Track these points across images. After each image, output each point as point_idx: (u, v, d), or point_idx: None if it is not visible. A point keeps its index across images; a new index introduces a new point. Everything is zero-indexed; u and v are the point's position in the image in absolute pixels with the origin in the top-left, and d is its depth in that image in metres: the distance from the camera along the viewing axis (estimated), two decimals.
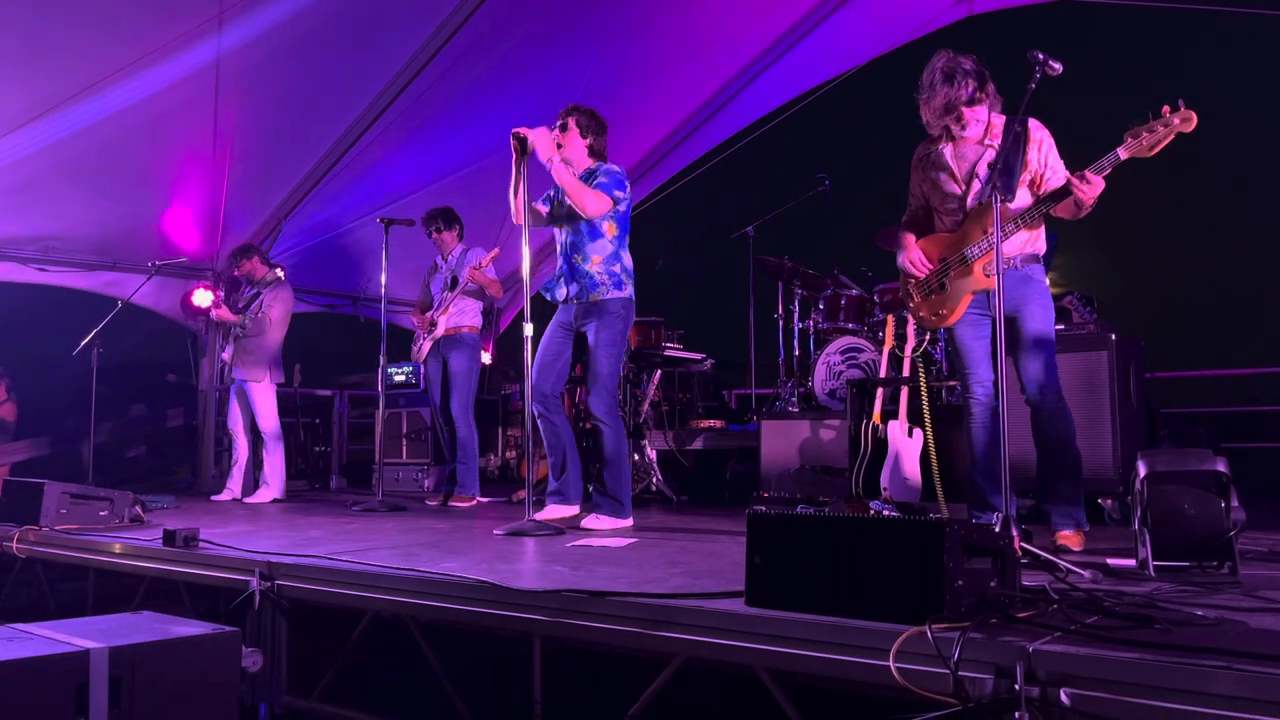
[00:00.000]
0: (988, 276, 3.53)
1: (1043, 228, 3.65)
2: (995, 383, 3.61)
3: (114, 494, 4.71)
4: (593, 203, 4.43)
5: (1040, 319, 3.56)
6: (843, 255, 6.96)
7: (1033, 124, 3.52)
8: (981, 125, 3.57)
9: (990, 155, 3.54)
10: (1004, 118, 3.56)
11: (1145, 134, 3.21)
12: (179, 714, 2.52)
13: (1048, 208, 3.46)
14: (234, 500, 6.42)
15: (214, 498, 6.43)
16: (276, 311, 6.50)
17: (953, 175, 3.65)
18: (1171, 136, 3.17)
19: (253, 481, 6.57)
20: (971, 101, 3.50)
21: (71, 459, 7.85)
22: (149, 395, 8.30)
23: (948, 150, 3.66)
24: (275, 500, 6.35)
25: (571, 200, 4.42)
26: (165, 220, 7.44)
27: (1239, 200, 6.69)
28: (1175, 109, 3.16)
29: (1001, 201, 3.29)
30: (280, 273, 6.67)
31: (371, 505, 5.63)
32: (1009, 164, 3.37)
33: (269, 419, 6.48)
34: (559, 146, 4.48)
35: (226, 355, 6.56)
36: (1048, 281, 3.71)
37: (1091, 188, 3.28)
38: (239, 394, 6.54)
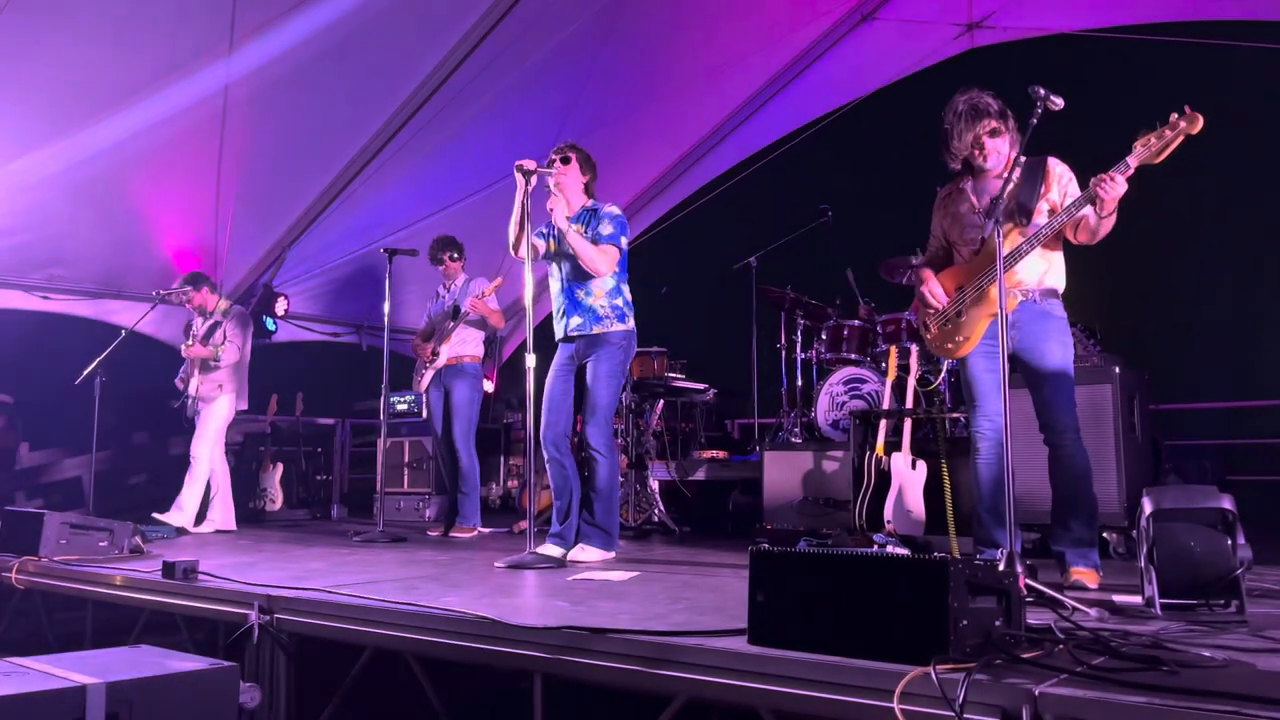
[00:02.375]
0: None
1: (1061, 259, 3.65)
2: (990, 415, 3.62)
3: (114, 524, 4.69)
4: (605, 264, 4.49)
5: (1059, 356, 3.55)
6: (845, 286, 6.95)
7: (1052, 160, 3.59)
8: (1002, 157, 3.63)
9: (1011, 189, 3.53)
10: (1023, 157, 3.56)
11: (1154, 139, 3.24)
12: None
13: (1070, 216, 3.46)
14: (216, 531, 6.31)
15: (193, 529, 6.26)
16: (240, 339, 6.55)
17: (974, 208, 3.69)
18: (1180, 139, 3.20)
19: (228, 507, 6.49)
20: (993, 133, 3.58)
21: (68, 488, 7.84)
22: (151, 423, 8.30)
23: (969, 185, 3.74)
24: (180, 530, 6.13)
25: (586, 265, 4.46)
26: (169, 248, 7.46)
27: (1245, 231, 6.68)
28: (1182, 114, 3.19)
29: (1017, 228, 3.45)
30: (226, 304, 6.73)
31: (372, 536, 5.60)
32: (1024, 197, 3.48)
33: (205, 442, 6.37)
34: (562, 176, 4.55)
35: (193, 389, 6.50)
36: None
37: (1114, 186, 3.27)
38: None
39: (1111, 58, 6.78)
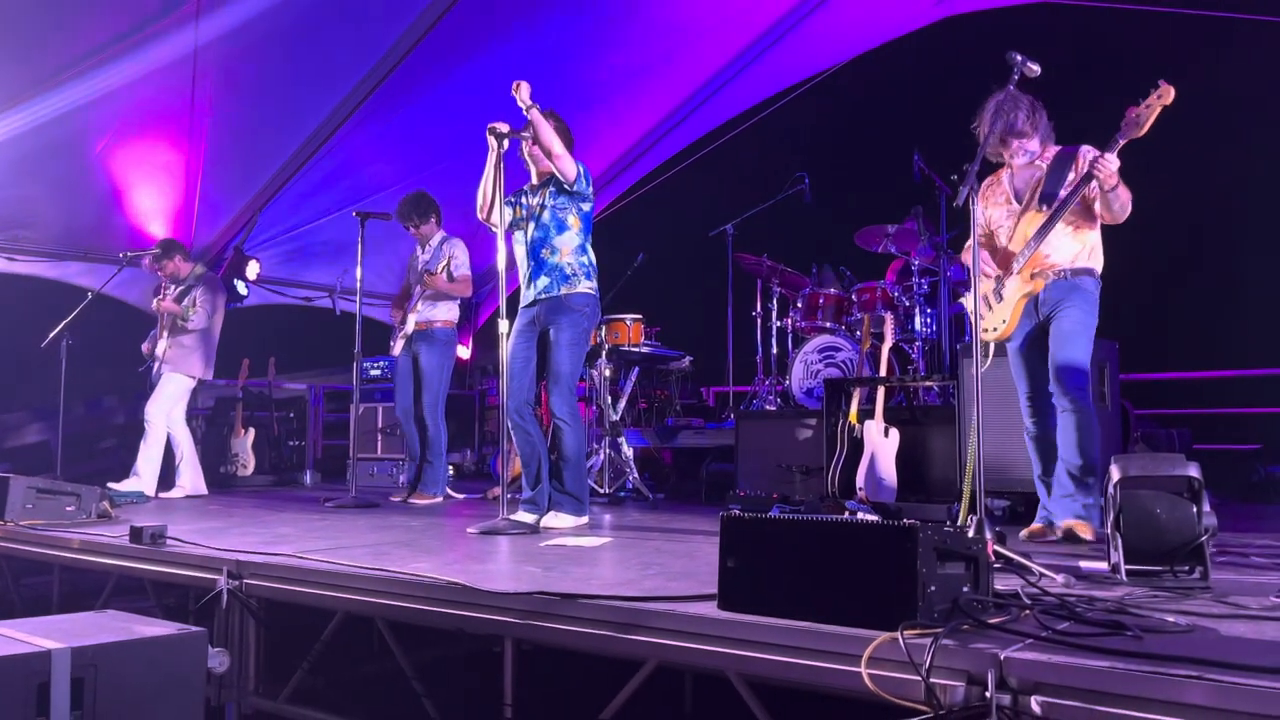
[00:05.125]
0: (1032, 279, 3.72)
1: (1096, 239, 3.76)
2: (1034, 397, 3.83)
3: (81, 489, 4.63)
4: (570, 163, 4.43)
5: (1075, 319, 3.68)
6: (822, 254, 6.95)
7: (1084, 148, 3.70)
8: (1030, 155, 3.79)
9: (1039, 176, 3.76)
10: (1058, 147, 3.79)
11: (1135, 114, 3.38)
12: (143, 715, 2.47)
13: (1076, 194, 3.60)
14: (186, 496, 6.24)
15: (162, 494, 6.21)
16: (210, 307, 6.40)
17: (1009, 199, 3.88)
18: (1158, 110, 3.36)
19: (196, 472, 6.40)
20: (1019, 134, 3.71)
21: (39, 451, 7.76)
22: (120, 387, 8.20)
23: (1005, 176, 3.92)
24: (143, 494, 6.05)
25: (546, 145, 4.39)
26: (139, 211, 7.35)
27: (1214, 203, 6.72)
28: (1156, 87, 3.36)
29: (1038, 210, 3.67)
30: (201, 269, 6.61)
31: (344, 502, 5.58)
32: (1050, 185, 3.68)
33: (160, 407, 6.22)
34: (534, 142, 4.50)
35: (160, 351, 6.35)
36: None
37: (1105, 164, 3.44)
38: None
39: (1087, 25, 6.76)
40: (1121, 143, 3.43)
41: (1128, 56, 6.62)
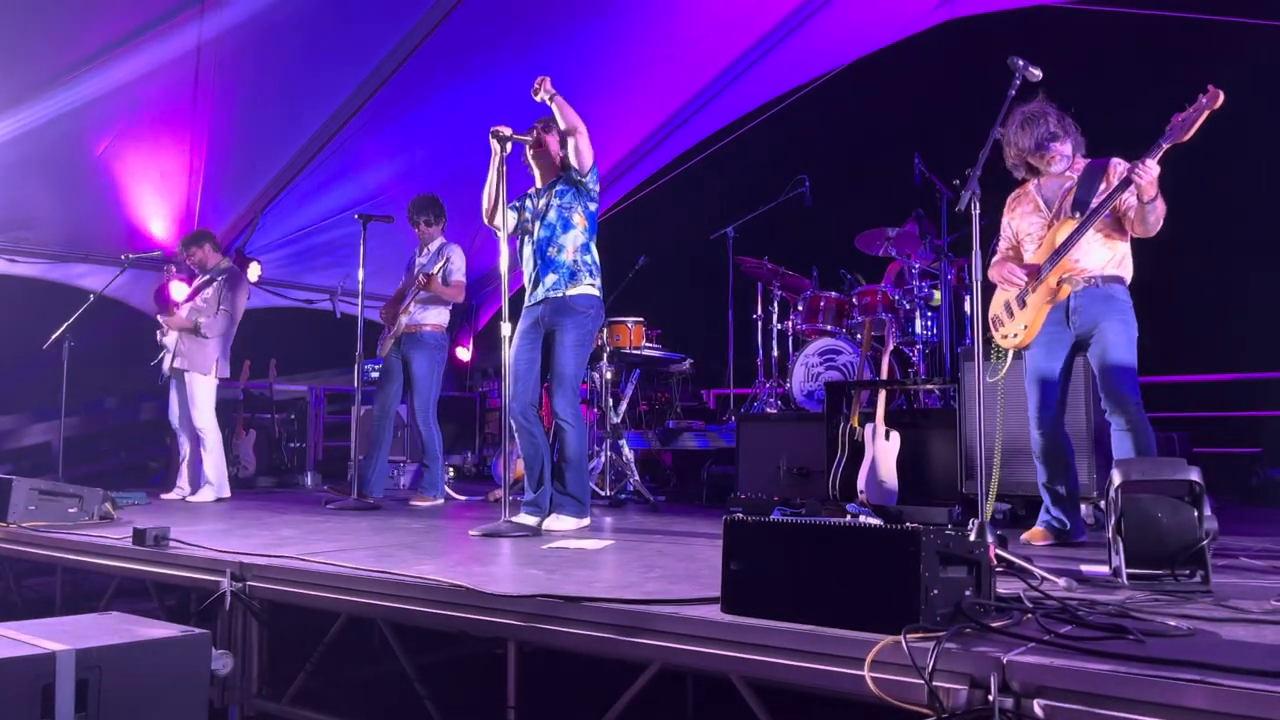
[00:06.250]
0: (1059, 285, 3.71)
1: (1127, 249, 3.77)
2: (1044, 408, 3.79)
3: (84, 491, 4.64)
4: (584, 127, 4.44)
5: (1115, 332, 3.66)
6: (823, 257, 6.95)
7: (1114, 160, 3.71)
8: (1067, 160, 3.78)
9: (1069, 186, 3.77)
10: (1086, 160, 3.79)
11: (1183, 118, 3.38)
12: (146, 717, 2.48)
13: (1111, 201, 3.59)
14: (183, 499, 6.16)
15: (163, 496, 6.18)
16: (231, 303, 6.24)
17: (1038, 208, 3.87)
18: (1205, 115, 3.35)
19: (199, 478, 6.29)
20: (1053, 137, 3.73)
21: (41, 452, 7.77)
22: (121, 389, 8.22)
23: (1033, 187, 3.91)
24: (220, 499, 6.07)
25: (571, 124, 4.40)
26: (140, 212, 7.35)
27: (1215, 206, 6.73)
28: (1204, 91, 3.35)
29: (1071, 217, 3.65)
30: (228, 262, 6.51)
31: (346, 504, 5.58)
32: (1082, 193, 3.67)
33: (205, 414, 6.15)
34: (539, 144, 4.51)
35: (171, 343, 6.20)
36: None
37: (1147, 170, 3.41)
38: (179, 385, 6.24)
39: (1089, 29, 6.78)
40: (1165, 148, 3.39)
41: (1130, 60, 6.64)
